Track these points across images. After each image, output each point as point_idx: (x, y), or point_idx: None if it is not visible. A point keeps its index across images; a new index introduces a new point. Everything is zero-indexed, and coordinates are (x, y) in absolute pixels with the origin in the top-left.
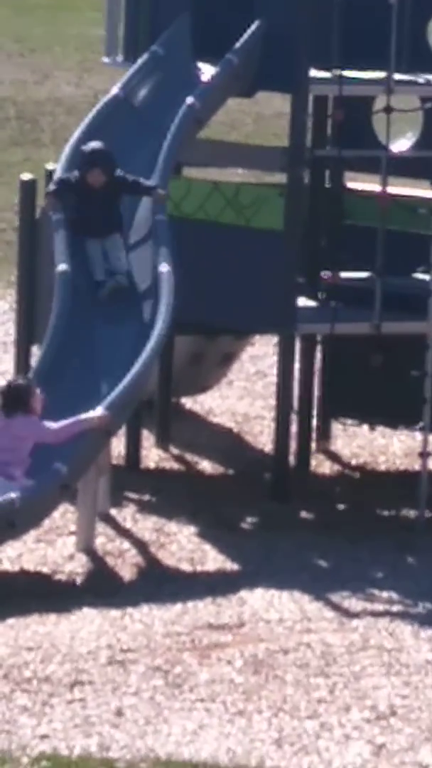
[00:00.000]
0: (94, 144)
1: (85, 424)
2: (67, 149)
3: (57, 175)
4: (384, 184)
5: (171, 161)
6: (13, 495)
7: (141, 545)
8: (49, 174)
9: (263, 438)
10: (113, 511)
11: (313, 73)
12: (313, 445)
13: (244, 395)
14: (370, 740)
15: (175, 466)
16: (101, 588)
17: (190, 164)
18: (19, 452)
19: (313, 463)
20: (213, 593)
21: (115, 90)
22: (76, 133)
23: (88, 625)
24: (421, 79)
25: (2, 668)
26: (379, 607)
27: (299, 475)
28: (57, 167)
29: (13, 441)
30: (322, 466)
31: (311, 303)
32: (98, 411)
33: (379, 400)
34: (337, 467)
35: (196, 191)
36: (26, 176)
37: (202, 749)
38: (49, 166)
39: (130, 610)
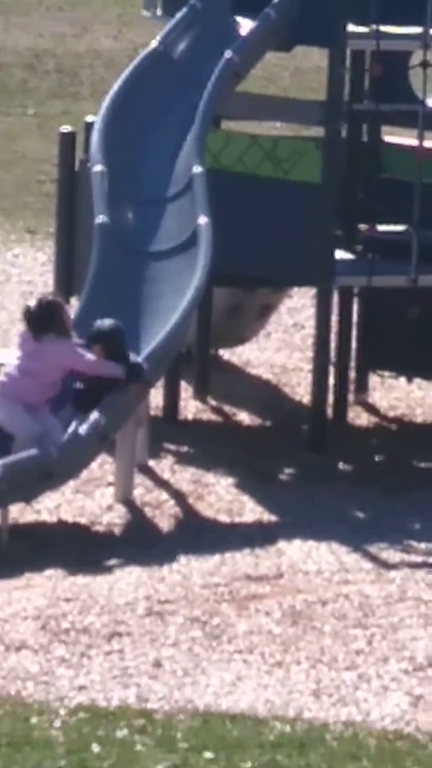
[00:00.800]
0: (103, 323)
1: (121, 374)
2: (106, 102)
3: None
4: (421, 138)
5: (209, 115)
6: (51, 447)
7: (179, 496)
8: (88, 126)
9: (301, 390)
10: (151, 462)
11: (351, 27)
12: (351, 397)
13: (282, 347)
14: (408, 691)
15: (213, 417)
16: (139, 539)
17: (229, 117)
18: (48, 379)
19: (351, 415)
20: (251, 544)
21: (153, 44)
22: (115, 86)
23: (126, 576)
24: None
25: (40, 619)
26: (417, 558)
27: (337, 427)
28: (96, 120)
29: (43, 366)
30: (359, 418)
31: (348, 256)
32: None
33: (416, 352)
34: (374, 419)
35: (235, 144)
36: (65, 129)
37: (240, 700)
38: (89, 118)
39: (168, 561)
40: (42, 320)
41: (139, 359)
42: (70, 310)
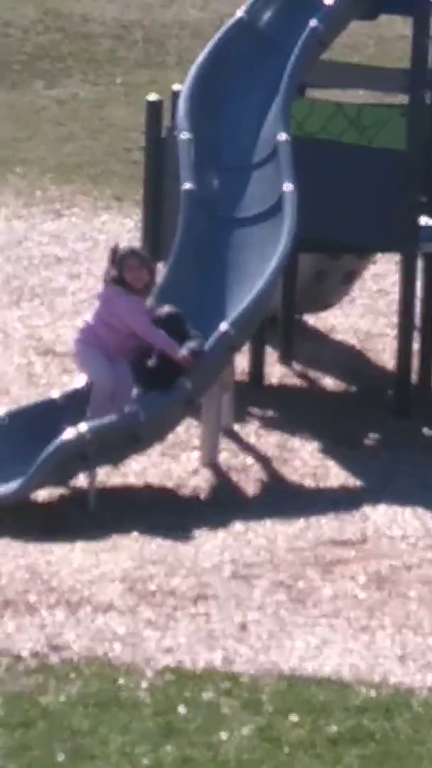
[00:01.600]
0: (162, 309)
1: (174, 350)
2: (192, 71)
3: None
4: None
5: (294, 83)
6: (138, 409)
7: (264, 460)
8: (175, 95)
9: (385, 355)
10: (237, 427)
11: None
12: None
13: (366, 313)
14: None
15: (298, 382)
16: (225, 503)
17: (313, 85)
18: (120, 330)
19: None
20: (336, 509)
21: (239, 13)
22: (201, 56)
23: (211, 539)
24: None
25: (127, 581)
26: None
27: (421, 393)
28: (182, 88)
29: (111, 316)
30: None
31: None
32: (184, 351)
33: None
34: None
35: (319, 112)
36: (152, 97)
37: (325, 665)
38: (175, 87)
39: (253, 524)
40: (110, 269)
41: (203, 346)
42: (157, 277)
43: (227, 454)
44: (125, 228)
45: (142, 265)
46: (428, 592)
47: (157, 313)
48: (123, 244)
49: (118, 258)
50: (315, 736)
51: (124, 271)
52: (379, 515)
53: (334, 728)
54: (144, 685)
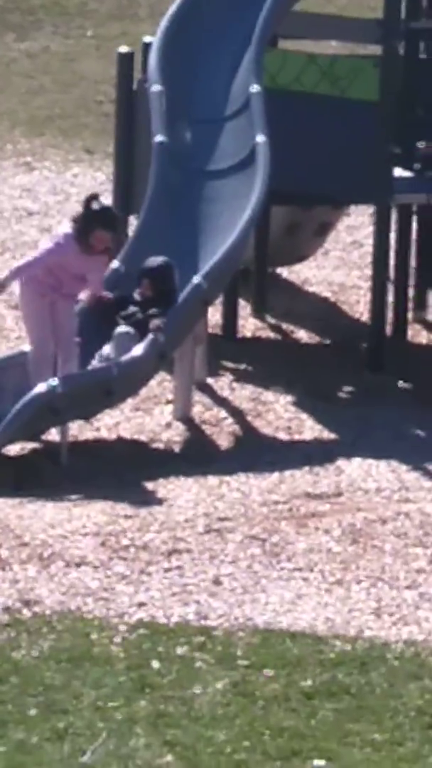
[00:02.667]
0: (154, 260)
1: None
2: (163, 22)
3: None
4: None
5: (267, 34)
6: (110, 363)
7: (238, 414)
8: (146, 47)
9: (359, 308)
10: (210, 380)
11: None
12: (410, 315)
13: (340, 265)
14: None
15: (272, 335)
16: (198, 456)
17: (286, 37)
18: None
19: (410, 333)
20: (310, 462)
21: None
22: (173, 7)
23: (185, 493)
24: None
25: (100, 536)
26: None
27: (396, 345)
28: (153, 40)
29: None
30: (418, 336)
31: (407, 173)
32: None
33: None
34: None
35: (292, 63)
36: (124, 49)
37: (300, 618)
38: (146, 39)
39: (227, 478)
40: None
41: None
42: (130, 229)
43: (200, 408)
44: (97, 181)
45: (110, 238)
46: (403, 546)
47: (147, 263)
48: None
49: (91, 219)
50: (289, 690)
51: (91, 238)
52: (354, 468)
53: (308, 682)
54: (117, 639)
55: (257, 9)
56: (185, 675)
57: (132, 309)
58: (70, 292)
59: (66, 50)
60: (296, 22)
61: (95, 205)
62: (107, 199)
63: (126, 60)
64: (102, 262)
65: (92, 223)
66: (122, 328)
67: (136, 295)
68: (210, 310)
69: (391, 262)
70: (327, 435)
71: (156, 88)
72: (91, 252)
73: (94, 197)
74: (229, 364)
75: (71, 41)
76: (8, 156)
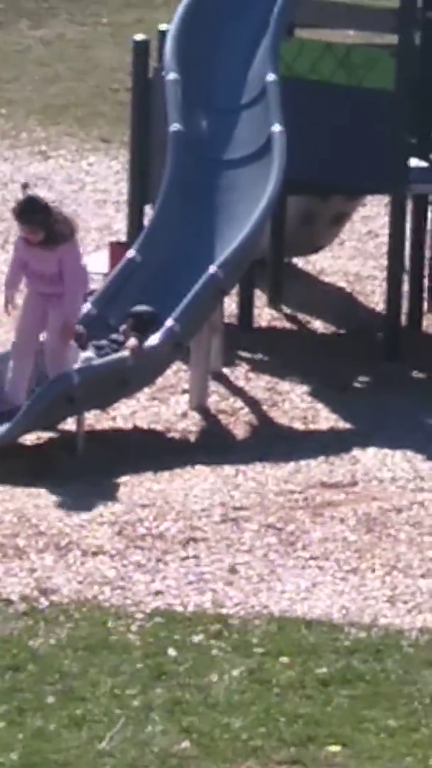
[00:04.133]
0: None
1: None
2: (179, 10)
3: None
4: None
5: (283, 22)
6: (127, 353)
7: (253, 404)
8: (162, 35)
9: (375, 298)
10: (226, 370)
11: None
12: (425, 305)
13: (356, 255)
14: None
15: (287, 325)
16: (214, 446)
17: (302, 25)
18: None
19: (425, 323)
20: (325, 452)
21: None
22: None
23: (201, 482)
24: None
25: (116, 525)
26: None
27: (411, 335)
28: (169, 28)
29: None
30: None
31: (423, 163)
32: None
33: None
34: None
35: (308, 52)
36: (139, 37)
37: (315, 607)
38: (162, 27)
39: (242, 468)
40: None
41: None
42: (145, 218)
43: (216, 398)
44: (112, 170)
45: (27, 229)
46: (417, 534)
47: (133, 309)
48: (30, 191)
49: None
50: (305, 677)
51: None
52: (369, 458)
53: (324, 670)
54: (134, 628)
55: None
56: (201, 663)
57: (105, 342)
58: (43, 291)
59: (81, 38)
60: (313, 11)
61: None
62: (123, 188)
63: (141, 48)
64: (54, 258)
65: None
66: (87, 353)
67: (117, 335)
68: (226, 300)
69: (406, 252)
70: (342, 425)
71: (172, 76)
72: (30, 244)
73: (23, 186)
74: (245, 354)
75: (86, 29)
76: (23, 144)
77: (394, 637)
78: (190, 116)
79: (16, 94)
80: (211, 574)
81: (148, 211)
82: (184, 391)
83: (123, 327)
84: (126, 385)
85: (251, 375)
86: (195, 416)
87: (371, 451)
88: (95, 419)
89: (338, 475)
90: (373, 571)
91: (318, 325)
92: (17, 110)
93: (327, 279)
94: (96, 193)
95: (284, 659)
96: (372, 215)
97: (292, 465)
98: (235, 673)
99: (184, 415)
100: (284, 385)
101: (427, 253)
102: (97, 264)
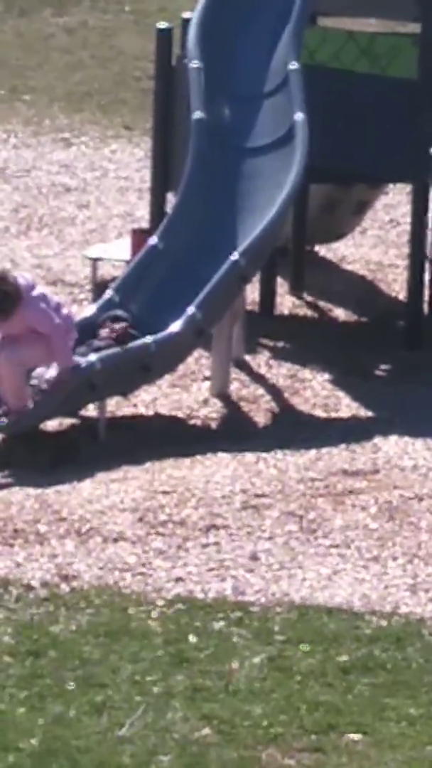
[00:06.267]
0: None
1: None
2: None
3: None
4: None
5: (306, 11)
6: (148, 340)
7: (275, 391)
8: (185, 22)
9: (396, 286)
10: (247, 357)
11: None
12: None
13: (378, 243)
14: None
15: (309, 313)
16: (235, 433)
17: (325, 14)
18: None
19: None
20: (347, 440)
21: None
22: None
23: (222, 469)
24: None
25: (138, 512)
26: None
27: None
28: (192, 16)
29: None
30: None
31: None
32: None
33: None
34: None
35: (331, 40)
36: (162, 25)
37: (336, 594)
38: (185, 14)
39: (264, 455)
40: None
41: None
42: (167, 206)
43: (238, 385)
44: (135, 157)
45: None
46: None
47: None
48: None
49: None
50: (326, 665)
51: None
52: (390, 446)
53: (344, 658)
54: (154, 614)
55: None
56: (222, 650)
57: (98, 344)
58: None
59: (104, 25)
60: (335, 0)
61: None
62: (145, 176)
63: (165, 36)
64: (18, 322)
65: None
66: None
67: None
68: (248, 287)
69: (428, 240)
70: (364, 413)
71: (195, 64)
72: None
73: None
74: (267, 342)
75: (109, 16)
76: (46, 132)
77: (415, 625)
78: (213, 104)
79: (40, 81)
80: (232, 561)
81: (171, 199)
82: (206, 378)
83: (105, 331)
84: (147, 372)
85: (272, 362)
86: (216, 403)
87: (393, 439)
88: (117, 406)
89: (359, 463)
90: (395, 559)
91: (339, 313)
92: (40, 97)
93: (348, 267)
94: (118, 181)
95: (305, 647)
96: (394, 204)
97: (313, 452)
98: (256, 660)
99: (206, 402)
100: (305, 373)
101: None
102: (119, 251)
